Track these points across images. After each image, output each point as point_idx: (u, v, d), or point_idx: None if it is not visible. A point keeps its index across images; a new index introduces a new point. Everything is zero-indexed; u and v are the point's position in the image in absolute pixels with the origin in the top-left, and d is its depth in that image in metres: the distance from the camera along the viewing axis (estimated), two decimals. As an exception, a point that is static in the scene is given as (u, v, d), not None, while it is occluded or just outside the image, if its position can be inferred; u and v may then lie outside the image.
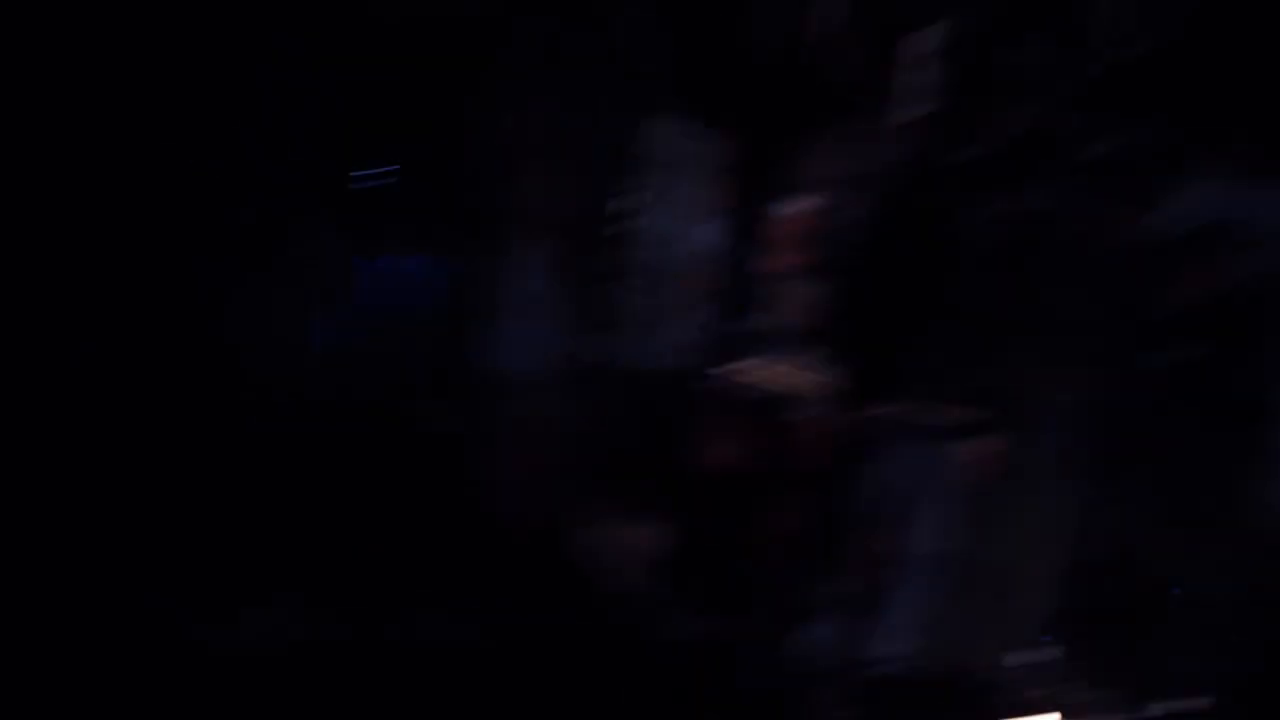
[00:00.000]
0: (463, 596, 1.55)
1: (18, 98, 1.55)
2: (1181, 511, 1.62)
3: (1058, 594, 1.61)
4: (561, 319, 1.66)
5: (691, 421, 1.66)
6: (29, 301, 1.57)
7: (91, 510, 1.52)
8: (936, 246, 1.67)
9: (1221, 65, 1.75)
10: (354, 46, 1.75)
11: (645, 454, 1.64)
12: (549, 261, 1.67)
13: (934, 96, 1.77)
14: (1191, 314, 1.63)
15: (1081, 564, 1.60)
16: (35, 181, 1.58)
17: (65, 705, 1.29)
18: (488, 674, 1.46)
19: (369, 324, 1.76)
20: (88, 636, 1.38)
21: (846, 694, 1.57)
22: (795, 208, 1.71)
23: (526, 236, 1.66)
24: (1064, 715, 1.53)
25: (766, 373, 1.65)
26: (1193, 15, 1.78)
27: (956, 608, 1.60)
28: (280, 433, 1.65)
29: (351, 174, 1.77)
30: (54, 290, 1.58)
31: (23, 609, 1.39)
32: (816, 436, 1.65)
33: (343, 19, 1.73)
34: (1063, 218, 1.67)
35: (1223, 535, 1.62)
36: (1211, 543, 1.62)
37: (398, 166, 1.77)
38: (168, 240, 1.65)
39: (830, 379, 1.66)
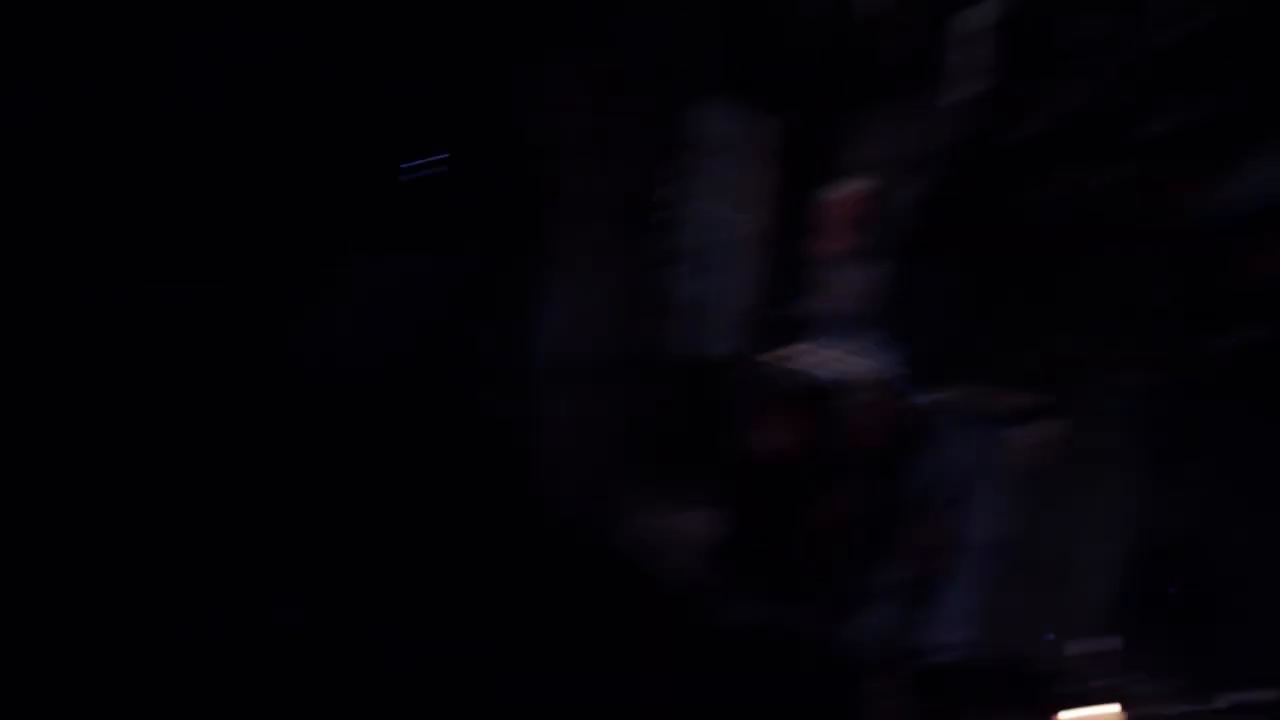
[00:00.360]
0: (512, 591, 1.54)
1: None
2: (1242, 499, 1.59)
3: (1118, 582, 1.58)
4: (610, 307, 1.64)
5: (742, 408, 1.65)
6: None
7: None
8: (993, 228, 1.64)
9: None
10: (391, 38, 1.74)
11: (696, 442, 1.63)
12: (597, 248, 1.65)
13: (989, 74, 1.74)
14: (1253, 296, 1.59)
15: (1141, 552, 1.58)
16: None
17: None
18: (534, 665, 1.45)
19: (416, 321, 1.75)
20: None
21: (902, 683, 1.56)
22: (847, 191, 1.68)
23: (574, 223, 1.64)
24: (1124, 706, 1.51)
25: (818, 358, 1.63)
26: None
27: (1014, 596, 1.58)
28: (322, 424, 1.64)
29: (398, 169, 1.75)
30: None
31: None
32: (870, 423, 1.63)
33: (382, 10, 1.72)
34: (1122, 197, 1.64)
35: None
36: (1271, 531, 1.59)
37: (441, 158, 1.75)
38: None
39: (884, 364, 1.64)
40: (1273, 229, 1.60)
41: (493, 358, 1.69)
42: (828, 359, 1.65)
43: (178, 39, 1.63)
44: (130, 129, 1.60)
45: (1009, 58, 1.73)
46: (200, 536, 1.49)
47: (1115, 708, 1.53)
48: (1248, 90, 1.70)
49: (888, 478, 1.65)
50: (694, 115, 1.69)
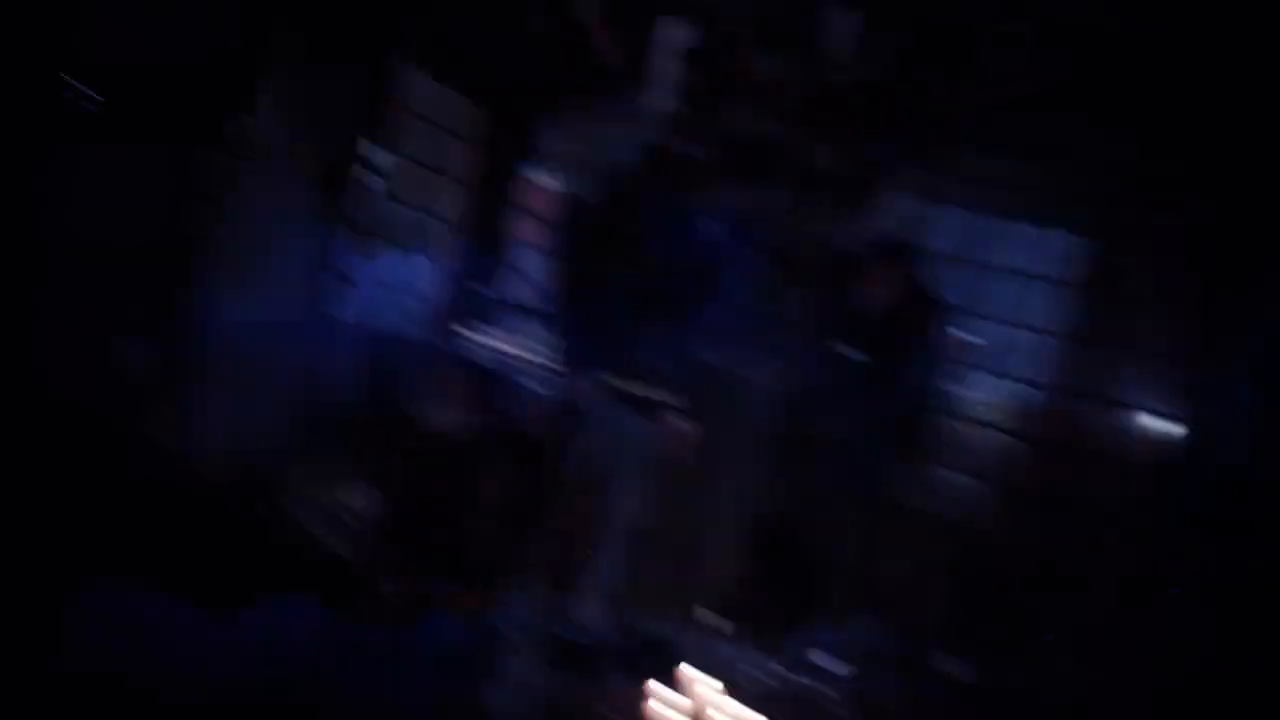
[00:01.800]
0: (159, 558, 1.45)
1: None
2: (852, 492, 1.81)
3: (735, 565, 1.75)
4: (301, 261, 1.58)
5: (414, 385, 1.65)
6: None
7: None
8: (658, 234, 1.75)
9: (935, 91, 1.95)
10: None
11: (364, 411, 1.62)
12: (279, 205, 1.57)
13: (676, 93, 1.86)
14: (869, 318, 1.81)
15: (756, 538, 1.75)
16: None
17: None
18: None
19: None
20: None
21: (539, 656, 1.62)
22: (539, 181, 1.75)
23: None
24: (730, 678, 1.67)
25: (494, 339, 1.68)
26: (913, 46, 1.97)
27: (646, 576, 1.70)
28: None
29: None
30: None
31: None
32: (534, 406, 1.69)
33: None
34: (773, 218, 1.81)
35: (886, 515, 1.83)
36: (876, 521, 1.82)
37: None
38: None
39: (552, 350, 1.71)
40: (890, 260, 1.84)
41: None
42: (504, 341, 1.70)
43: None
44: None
45: (695, 81, 1.88)
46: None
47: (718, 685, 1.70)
48: (896, 134, 1.94)
49: (540, 461, 1.73)
50: (397, 85, 1.67)
